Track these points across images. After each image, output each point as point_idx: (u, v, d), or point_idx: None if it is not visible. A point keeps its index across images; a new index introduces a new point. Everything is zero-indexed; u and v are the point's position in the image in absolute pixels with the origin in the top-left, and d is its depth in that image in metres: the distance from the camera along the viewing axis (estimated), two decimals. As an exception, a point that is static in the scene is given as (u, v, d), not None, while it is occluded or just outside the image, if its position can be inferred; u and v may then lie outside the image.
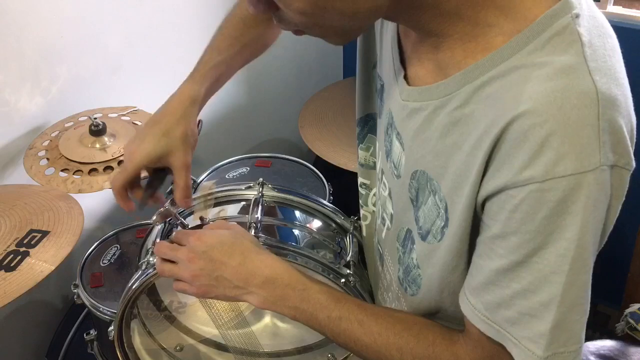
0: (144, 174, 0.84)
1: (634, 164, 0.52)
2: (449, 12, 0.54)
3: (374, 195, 0.85)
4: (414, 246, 0.67)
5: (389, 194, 0.73)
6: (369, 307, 0.69)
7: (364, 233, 0.91)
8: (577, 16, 0.51)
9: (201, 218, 0.87)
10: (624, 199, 0.53)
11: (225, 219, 0.89)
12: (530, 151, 0.49)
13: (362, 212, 0.91)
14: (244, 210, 0.92)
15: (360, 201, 0.90)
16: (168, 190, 1.35)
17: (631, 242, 1.57)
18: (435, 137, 0.58)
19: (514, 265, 0.53)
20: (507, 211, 0.52)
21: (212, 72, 0.86)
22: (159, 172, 0.84)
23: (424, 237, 0.64)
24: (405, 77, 0.64)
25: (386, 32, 0.71)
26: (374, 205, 0.86)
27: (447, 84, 0.56)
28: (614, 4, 1.59)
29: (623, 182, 0.52)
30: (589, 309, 0.54)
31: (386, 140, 0.71)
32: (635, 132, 0.53)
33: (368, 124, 0.83)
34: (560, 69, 0.49)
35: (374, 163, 0.83)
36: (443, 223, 0.60)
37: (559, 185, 0.49)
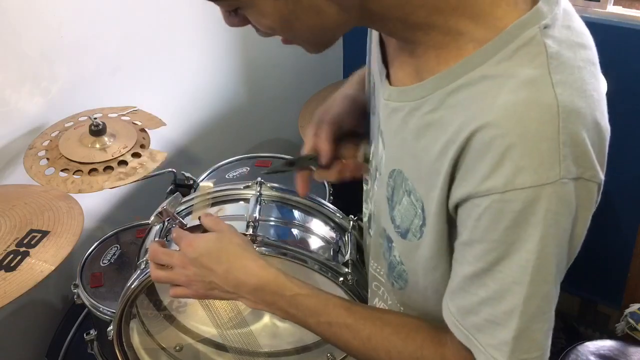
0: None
1: (601, 176, 0.53)
2: (419, 23, 0.55)
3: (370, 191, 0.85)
4: (393, 244, 0.68)
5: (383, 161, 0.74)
6: (358, 310, 0.69)
7: (364, 230, 0.91)
8: (546, 27, 0.52)
9: (200, 217, 0.87)
10: (593, 210, 0.54)
11: (225, 217, 0.89)
12: (492, 162, 0.50)
13: (363, 208, 0.91)
14: (242, 209, 0.92)
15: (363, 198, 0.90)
16: (168, 190, 1.36)
17: (631, 242, 1.57)
18: (410, 138, 0.60)
19: (480, 273, 0.55)
20: (472, 219, 0.54)
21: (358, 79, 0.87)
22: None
23: (403, 235, 0.64)
24: (388, 77, 0.65)
25: (374, 32, 0.72)
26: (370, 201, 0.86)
27: (422, 87, 0.57)
28: (614, 4, 1.60)
29: (590, 194, 0.52)
30: (553, 317, 0.56)
31: (376, 138, 0.72)
32: (607, 144, 0.54)
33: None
34: (523, 82, 0.50)
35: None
36: (421, 222, 0.61)
37: (518, 196, 0.50)
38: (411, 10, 0.55)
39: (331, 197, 1.36)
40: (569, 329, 1.72)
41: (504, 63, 0.51)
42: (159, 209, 0.82)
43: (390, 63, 0.66)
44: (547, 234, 0.51)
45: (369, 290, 0.86)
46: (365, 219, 0.90)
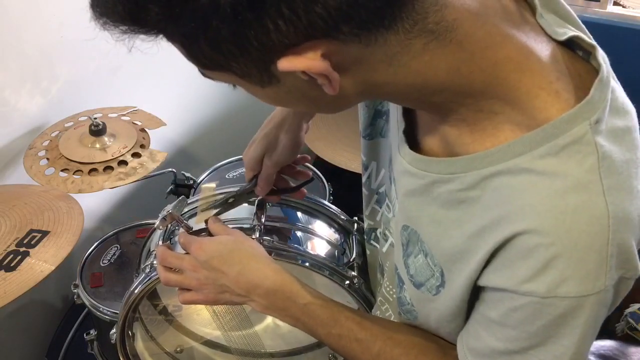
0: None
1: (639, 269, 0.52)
2: (442, 103, 0.53)
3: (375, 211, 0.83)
4: (404, 286, 0.66)
5: (392, 217, 0.71)
6: (369, 326, 0.69)
7: (365, 241, 0.90)
8: (597, 122, 0.48)
9: (205, 221, 0.86)
10: (627, 291, 0.53)
11: (229, 221, 0.89)
12: (534, 268, 0.49)
13: (364, 218, 0.89)
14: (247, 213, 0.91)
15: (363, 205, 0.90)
16: (168, 190, 1.36)
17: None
18: (435, 205, 0.57)
19: (511, 352, 0.54)
20: (506, 308, 0.53)
21: None
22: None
23: (417, 286, 0.63)
24: (406, 134, 0.61)
25: None
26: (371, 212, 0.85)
27: (452, 164, 0.54)
28: (613, 4, 1.60)
29: (628, 287, 0.52)
30: None
31: (390, 169, 0.70)
32: None
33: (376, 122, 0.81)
34: (572, 186, 0.48)
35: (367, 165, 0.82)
36: (439, 283, 0.59)
37: (560, 303, 0.49)
38: (430, 93, 0.52)
39: (331, 197, 1.36)
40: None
41: (550, 159, 0.48)
42: (164, 213, 0.82)
43: (417, 119, 0.62)
44: (586, 334, 0.51)
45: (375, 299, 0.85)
46: (365, 226, 0.89)
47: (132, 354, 0.97)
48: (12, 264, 0.90)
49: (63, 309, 1.53)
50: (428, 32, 0.47)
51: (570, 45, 0.53)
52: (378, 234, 0.78)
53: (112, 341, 0.94)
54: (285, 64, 0.45)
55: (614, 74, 0.54)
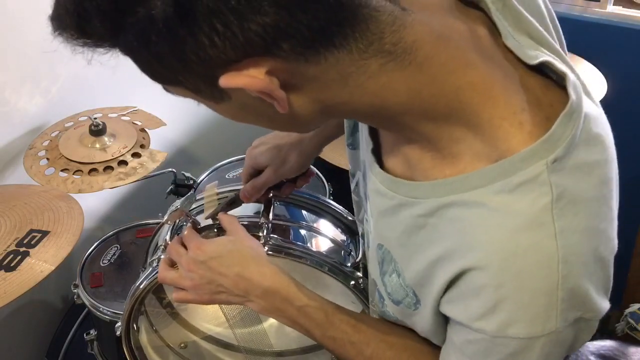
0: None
1: (604, 307, 0.50)
2: (404, 126, 0.52)
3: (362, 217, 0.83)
4: (385, 302, 0.66)
5: (370, 232, 0.71)
6: (364, 329, 0.69)
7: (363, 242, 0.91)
8: (555, 160, 0.47)
9: (213, 218, 0.87)
10: (594, 331, 0.52)
11: (239, 218, 0.89)
12: (484, 307, 0.49)
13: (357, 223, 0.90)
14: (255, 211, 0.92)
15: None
16: (168, 190, 1.36)
17: (631, 242, 1.57)
18: (399, 230, 0.57)
19: None
20: (463, 338, 0.53)
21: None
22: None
23: (395, 303, 0.63)
24: (376, 152, 0.61)
25: None
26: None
27: (415, 188, 0.54)
28: (613, 4, 1.60)
29: (591, 327, 0.51)
30: None
31: (364, 184, 0.69)
32: (611, 267, 0.51)
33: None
34: (523, 227, 0.47)
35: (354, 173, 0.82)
36: (414, 301, 0.59)
37: (509, 343, 0.49)
38: (390, 115, 0.51)
39: (331, 197, 1.36)
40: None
41: (505, 196, 0.47)
42: (173, 208, 0.83)
43: (381, 138, 0.61)
44: None
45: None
46: (360, 231, 0.88)
47: (136, 347, 0.97)
48: (12, 264, 0.90)
49: (63, 309, 1.53)
50: (385, 52, 0.46)
51: (545, 70, 0.51)
52: (366, 241, 0.79)
53: (117, 334, 0.94)
54: (225, 80, 0.45)
55: (593, 100, 0.52)
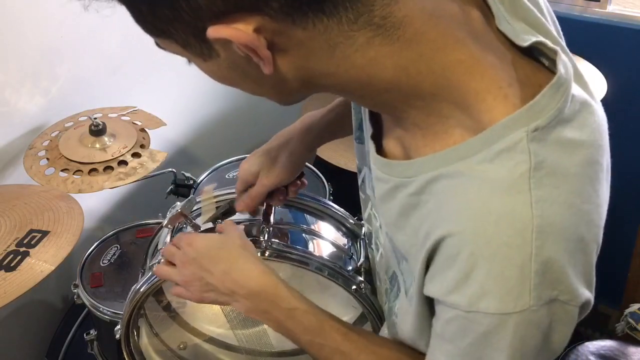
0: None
1: (584, 297, 0.48)
2: (390, 104, 0.52)
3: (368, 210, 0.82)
4: (400, 294, 0.64)
5: (380, 226, 0.70)
6: (354, 338, 0.67)
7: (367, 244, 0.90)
8: (537, 129, 0.46)
9: (213, 221, 0.86)
10: (574, 325, 0.50)
11: (238, 222, 0.88)
12: (458, 277, 0.48)
13: (364, 222, 0.89)
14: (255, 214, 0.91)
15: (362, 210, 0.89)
16: (168, 190, 1.36)
17: (631, 242, 1.57)
18: (396, 213, 0.56)
19: None
20: (443, 319, 0.52)
21: (336, 107, 0.86)
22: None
23: (406, 293, 0.62)
24: (375, 138, 0.61)
25: None
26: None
27: (407, 167, 0.54)
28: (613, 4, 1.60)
29: (568, 315, 0.48)
30: None
31: (370, 177, 0.69)
32: (594, 256, 0.49)
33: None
34: (498, 193, 0.46)
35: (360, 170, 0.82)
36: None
37: (482, 320, 0.48)
38: (376, 91, 0.50)
39: (331, 197, 1.36)
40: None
41: (486, 165, 0.47)
42: (173, 211, 0.82)
43: (380, 120, 0.61)
44: (514, 357, 0.49)
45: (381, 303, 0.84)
46: (365, 230, 0.88)
47: (136, 352, 0.97)
48: (12, 264, 0.90)
49: (63, 309, 1.53)
50: (374, 25, 0.46)
51: (538, 55, 0.51)
52: (377, 241, 0.78)
53: (117, 337, 0.94)
54: (213, 31, 0.45)
55: (591, 93, 0.52)
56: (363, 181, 0.79)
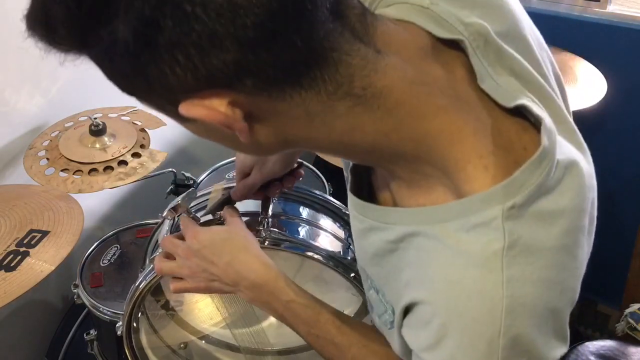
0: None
1: (554, 357, 0.49)
2: (375, 161, 0.53)
3: None
4: (372, 313, 0.66)
5: None
6: (348, 331, 0.69)
7: None
8: (513, 207, 0.46)
9: (213, 212, 0.87)
10: None
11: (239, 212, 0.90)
12: (430, 340, 0.50)
13: None
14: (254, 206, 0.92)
15: None
16: (168, 190, 1.36)
17: (631, 242, 1.57)
18: (371, 252, 0.57)
19: None
20: None
21: None
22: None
23: (378, 317, 0.63)
24: (354, 170, 0.61)
25: None
26: None
27: (385, 214, 0.55)
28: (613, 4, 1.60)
29: None
30: None
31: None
32: (567, 317, 0.50)
33: None
34: (472, 269, 0.47)
35: None
36: (391, 319, 0.59)
37: None
38: (359, 152, 0.51)
39: (331, 197, 1.36)
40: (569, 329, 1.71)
41: (461, 235, 0.47)
42: (173, 204, 0.83)
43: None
44: None
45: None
46: None
47: (137, 347, 0.97)
48: (12, 264, 0.90)
49: (63, 309, 1.53)
50: (354, 96, 0.45)
51: (523, 111, 0.50)
52: None
53: (119, 333, 0.94)
54: (185, 109, 0.44)
55: (579, 140, 0.52)
56: None
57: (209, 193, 0.96)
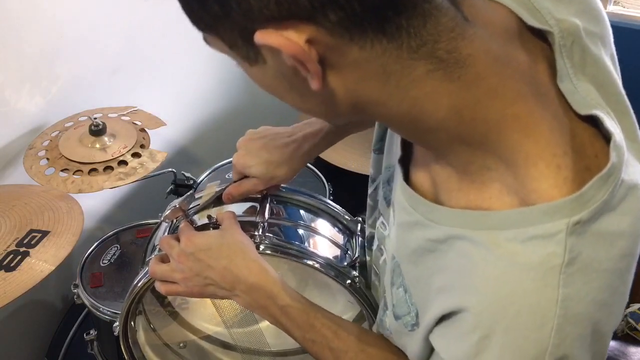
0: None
1: None
2: (436, 145, 0.49)
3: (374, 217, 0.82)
4: (387, 312, 0.65)
5: (389, 235, 0.70)
6: (344, 336, 0.69)
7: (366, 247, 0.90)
8: (578, 223, 0.43)
9: (209, 217, 0.87)
10: None
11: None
12: (468, 352, 0.48)
13: (366, 227, 0.89)
14: (251, 209, 0.92)
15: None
16: (168, 190, 1.36)
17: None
18: (411, 248, 0.55)
19: None
20: None
21: None
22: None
23: (396, 317, 0.61)
24: (405, 160, 0.59)
25: None
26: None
27: (432, 210, 0.52)
28: (613, 4, 1.60)
29: None
30: None
31: (388, 188, 0.68)
32: (608, 341, 0.49)
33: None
34: (526, 283, 0.44)
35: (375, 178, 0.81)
36: (413, 322, 0.58)
37: None
38: (424, 130, 0.48)
39: (331, 197, 1.36)
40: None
41: (515, 245, 0.45)
42: (172, 206, 0.83)
43: (412, 149, 0.59)
44: None
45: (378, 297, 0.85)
46: (367, 232, 0.87)
47: (134, 346, 0.97)
48: (12, 264, 0.90)
49: (63, 309, 1.53)
50: (436, 59, 0.43)
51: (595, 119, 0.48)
52: (375, 245, 0.79)
53: (115, 333, 0.94)
54: (261, 36, 0.41)
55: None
56: (375, 190, 0.78)
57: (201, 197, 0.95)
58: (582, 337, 0.45)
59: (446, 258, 0.50)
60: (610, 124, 0.47)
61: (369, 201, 0.83)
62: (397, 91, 0.45)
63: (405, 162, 0.59)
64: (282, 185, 0.94)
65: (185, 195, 0.85)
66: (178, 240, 0.78)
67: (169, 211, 0.84)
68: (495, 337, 0.46)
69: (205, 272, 0.73)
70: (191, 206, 0.92)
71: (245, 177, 0.86)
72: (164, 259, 0.80)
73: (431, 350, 0.56)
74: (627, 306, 1.43)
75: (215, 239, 0.76)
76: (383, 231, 0.73)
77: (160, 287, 0.78)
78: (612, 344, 1.26)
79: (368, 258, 0.88)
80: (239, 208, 0.90)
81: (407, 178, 0.58)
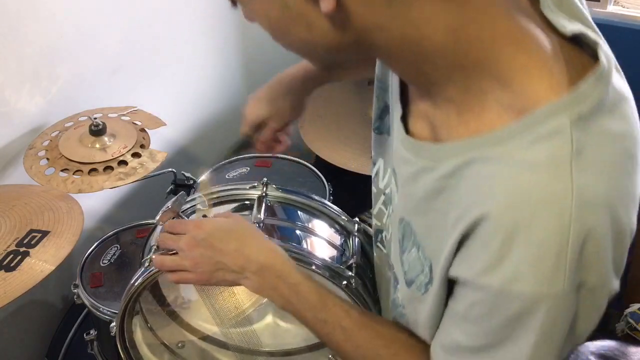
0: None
1: (613, 285, 0.50)
2: (433, 73, 0.51)
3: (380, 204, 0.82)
4: (398, 286, 0.66)
5: (389, 216, 0.72)
6: (355, 315, 0.69)
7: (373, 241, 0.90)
8: (579, 118, 0.46)
9: (204, 217, 0.87)
10: (602, 312, 0.51)
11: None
12: (492, 258, 0.48)
13: (373, 218, 0.90)
14: (246, 210, 0.92)
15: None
16: (168, 190, 1.36)
17: (632, 243, 1.57)
18: (420, 196, 0.56)
19: (472, 349, 0.54)
20: (468, 301, 0.52)
21: None
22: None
23: (408, 284, 0.62)
24: (405, 118, 0.61)
25: None
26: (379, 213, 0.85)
27: (437, 150, 0.54)
28: (613, 4, 1.60)
29: (597, 302, 0.50)
30: None
31: (392, 164, 0.69)
32: (627, 246, 0.50)
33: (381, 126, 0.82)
34: (539, 176, 0.46)
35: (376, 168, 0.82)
36: (427, 280, 0.59)
37: (514, 301, 0.48)
38: (423, 57, 0.50)
39: (331, 197, 1.36)
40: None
41: (523, 150, 0.47)
42: (165, 208, 0.83)
43: (409, 102, 0.61)
44: (542, 342, 0.49)
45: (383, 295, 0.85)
46: (372, 226, 0.88)
47: (130, 346, 0.97)
48: (12, 264, 0.90)
49: (63, 309, 1.53)
50: None
51: (579, 44, 0.51)
52: (384, 237, 0.79)
53: (112, 333, 0.94)
54: None
55: (625, 84, 0.52)
56: (376, 174, 0.79)
57: (195, 198, 0.95)
58: (601, 224, 0.46)
59: (458, 189, 0.51)
60: (594, 36, 0.50)
61: (373, 188, 0.83)
62: (399, 14, 0.47)
63: (405, 119, 0.61)
64: (281, 186, 0.94)
65: (176, 196, 0.85)
66: (176, 233, 0.79)
67: (161, 214, 0.84)
68: (517, 237, 0.46)
69: (217, 257, 0.73)
70: (184, 208, 0.92)
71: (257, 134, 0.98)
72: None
73: (444, 308, 0.57)
74: (627, 306, 1.43)
75: (224, 223, 0.77)
76: (384, 218, 0.75)
77: (171, 278, 0.79)
78: (612, 344, 1.26)
79: (375, 255, 0.89)
80: (236, 209, 0.90)
81: (407, 133, 0.60)
